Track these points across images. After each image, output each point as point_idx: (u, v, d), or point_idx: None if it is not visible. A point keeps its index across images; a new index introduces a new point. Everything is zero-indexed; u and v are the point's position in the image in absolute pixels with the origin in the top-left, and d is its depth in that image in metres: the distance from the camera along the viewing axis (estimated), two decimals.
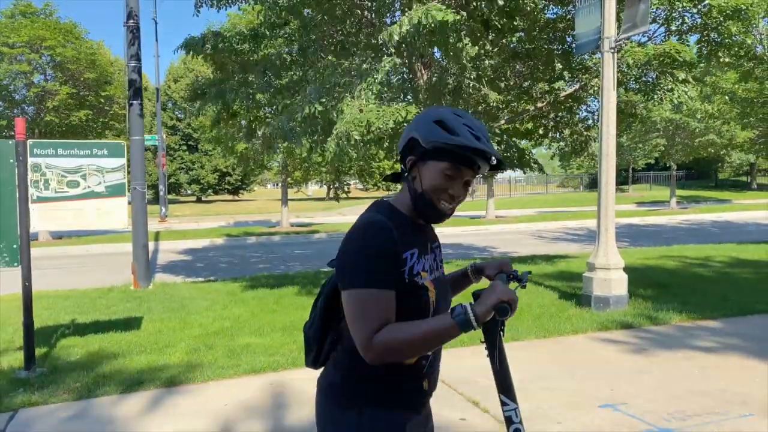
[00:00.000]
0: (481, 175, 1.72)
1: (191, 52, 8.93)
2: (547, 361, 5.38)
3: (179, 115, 45.34)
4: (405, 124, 6.47)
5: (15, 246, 5.28)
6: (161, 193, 29.53)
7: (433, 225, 1.71)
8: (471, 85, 7.82)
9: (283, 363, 5.36)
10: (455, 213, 1.65)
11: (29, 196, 5.30)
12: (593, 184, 45.90)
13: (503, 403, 1.61)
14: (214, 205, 42.83)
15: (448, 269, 1.86)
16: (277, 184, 34.25)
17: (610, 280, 7.15)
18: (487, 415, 4.08)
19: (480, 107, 9.26)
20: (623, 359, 5.39)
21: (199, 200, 47.37)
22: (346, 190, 30.61)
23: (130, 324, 7.15)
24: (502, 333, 1.57)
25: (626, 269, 7.43)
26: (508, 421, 1.61)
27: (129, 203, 6.87)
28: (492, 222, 24.42)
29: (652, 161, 35.81)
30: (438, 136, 1.52)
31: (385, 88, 6.25)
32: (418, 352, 1.50)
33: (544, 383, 4.70)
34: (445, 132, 1.53)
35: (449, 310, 1.44)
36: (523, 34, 9.13)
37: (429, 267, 1.62)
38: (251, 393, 4.68)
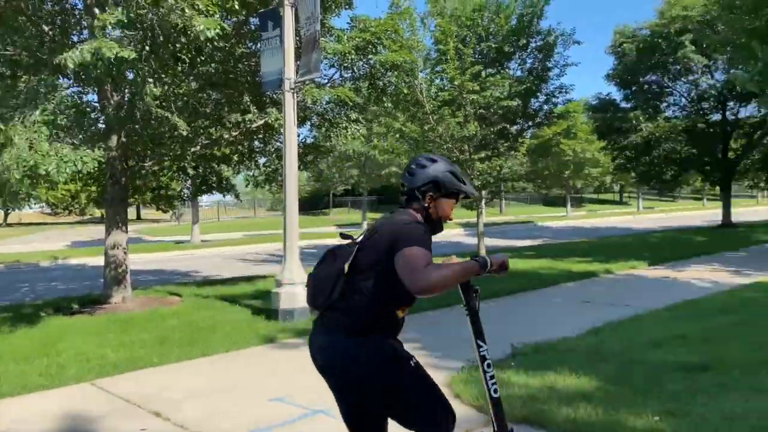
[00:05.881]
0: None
1: None
2: (233, 370, 5.88)
3: None
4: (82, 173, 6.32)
5: None
6: None
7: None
8: (159, 113, 8.02)
9: None
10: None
11: None
12: (303, 207, 48.44)
13: (479, 346, 2.45)
14: None
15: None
16: None
17: (296, 294, 8.00)
18: (168, 423, 4.40)
19: (175, 132, 9.47)
20: (298, 361, 6.16)
21: None
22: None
23: None
24: (476, 296, 2.46)
25: None
26: (482, 358, 2.43)
27: None
28: (197, 246, 24.24)
29: (350, 188, 39.56)
30: (454, 183, 2.56)
31: (62, 118, 6.09)
32: (455, 282, 2.33)
33: (226, 390, 5.20)
34: (457, 180, 2.57)
35: (470, 258, 2.39)
36: (218, 66, 9.64)
37: None
38: None
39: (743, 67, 15.07)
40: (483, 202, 17.44)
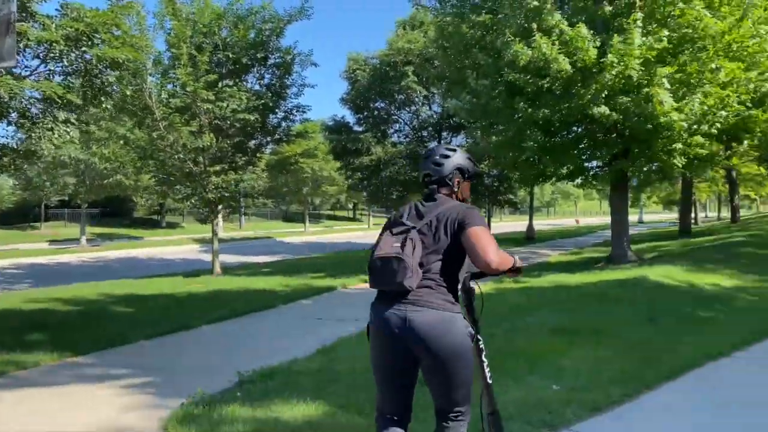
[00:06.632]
0: None
1: None
2: None
3: None
4: None
5: None
6: None
7: None
8: None
9: None
10: None
11: None
12: (7, 219, 41.51)
13: (479, 339, 2.85)
14: None
15: None
16: None
17: None
18: None
19: None
20: None
21: None
22: None
23: None
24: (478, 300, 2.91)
25: (8, 313, 6.88)
26: (480, 350, 2.86)
27: None
28: None
29: (66, 198, 35.00)
30: (474, 168, 2.95)
31: None
32: (508, 268, 2.71)
33: None
34: (474, 164, 2.95)
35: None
36: None
37: None
38: None
39: (456, 99, 16.95)
40: (220, 216, 16.71)
